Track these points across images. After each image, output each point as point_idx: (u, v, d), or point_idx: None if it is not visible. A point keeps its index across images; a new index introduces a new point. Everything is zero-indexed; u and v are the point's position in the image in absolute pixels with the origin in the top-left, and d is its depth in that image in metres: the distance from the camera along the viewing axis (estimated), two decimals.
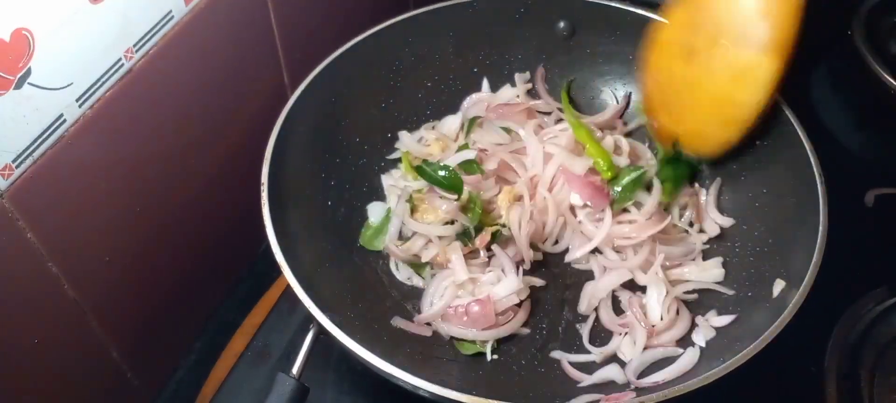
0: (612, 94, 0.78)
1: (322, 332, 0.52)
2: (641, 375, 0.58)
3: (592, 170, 0.67)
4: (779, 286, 0.58)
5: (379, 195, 0.72)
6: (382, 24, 0.71)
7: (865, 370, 0.64)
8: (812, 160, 0.61)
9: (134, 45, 0.51)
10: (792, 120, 0.63)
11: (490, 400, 0.48)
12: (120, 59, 0.51)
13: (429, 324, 0.62)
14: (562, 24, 0.76)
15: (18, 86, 0.44)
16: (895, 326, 0.67)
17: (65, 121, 0.48)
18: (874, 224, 0.75)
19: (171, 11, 0.54)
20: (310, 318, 0.52)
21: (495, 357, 0.61)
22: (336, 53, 0.68)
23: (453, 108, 0.78)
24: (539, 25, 0.76)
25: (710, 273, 0.65)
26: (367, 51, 0.70)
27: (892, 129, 0.84)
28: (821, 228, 0.56)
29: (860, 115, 0.85)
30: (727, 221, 0.68)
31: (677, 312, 0.62)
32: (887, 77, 0.80)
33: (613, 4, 0.73)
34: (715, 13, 0.54)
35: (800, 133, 0.62)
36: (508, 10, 0.75)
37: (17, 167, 0.46)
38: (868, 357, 0.65)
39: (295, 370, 0.51)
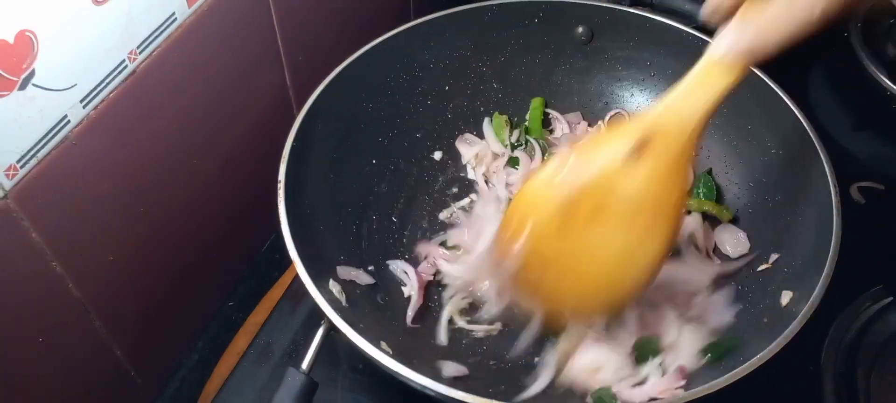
0: (627, 101, 0.78)
1: (332, 328, 0.52)
2: None
3: None
4: (786, 296, 0.58)
5: (384, 197, 0.73)
6: (403, 26, 0.71)
7: (862, 369, 0.64)
8: (827, 170, 0.60)
9: (137, 47, 0.52)
10: (806, 126, 0.63)
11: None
12: (123, 61, 0.51)
13: None
14: (580, 30, 0.76)
15: (22, 87, 0.44)
16: (892, 325, 0.67)
17: (69, 122, 0.48)
18: (871, 223, 0.76)
19: (174, 13, 0.54)
20: (321, 315, 0.52)
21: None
22: (356, 54, 0.68)
23: (473, 114, 0.78)
24: (557, 30, 0.76)
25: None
26: (386, 53, 0.70)
27: (890, 131, 0.85)
28: (833, 240, 0.56)
29: (857, 117, 0.86)
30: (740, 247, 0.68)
31: None
32: (884, 79, 0.81)
33: (632, 11, 0.74)
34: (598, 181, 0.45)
35: (814, 140, 0.62)
36: (526, 14, 0.75)
37: (21, 167, 0.46)
38: (865, 357, 0.65)
39: (304, 365, 0.52)
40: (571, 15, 0.76)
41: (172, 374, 0.68)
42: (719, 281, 0.65)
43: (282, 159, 0.60)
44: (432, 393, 0.49)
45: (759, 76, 0.68)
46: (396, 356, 0.50)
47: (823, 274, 0.54)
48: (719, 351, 0.59)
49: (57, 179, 0.48)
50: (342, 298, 0.60)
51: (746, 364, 0.50)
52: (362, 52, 0.68)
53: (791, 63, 0.86)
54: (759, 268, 0.64)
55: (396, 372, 0.49)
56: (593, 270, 0.47)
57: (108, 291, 0.56)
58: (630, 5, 0.75)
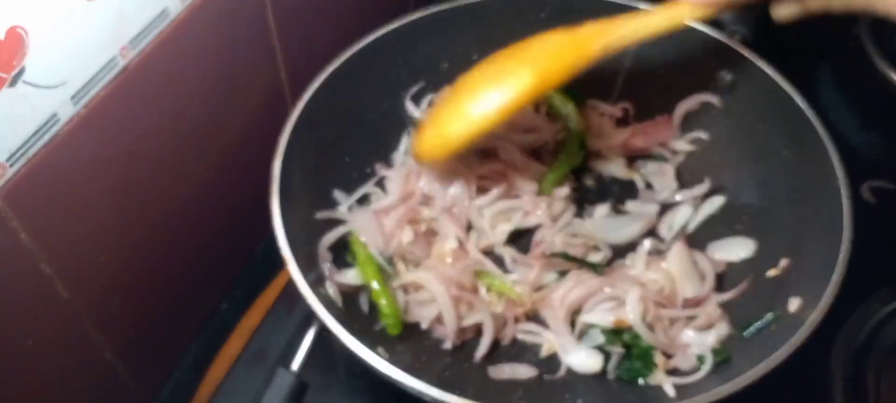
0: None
1: (324, 330, 0.51)
2: None
3: None
4: (794, 303, 0.56)
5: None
6: (407, 18, 0.70)
7: (872, 372, 0.64)
8: (839, 174, 0.59)
9: (129, 43, 0.51)
10: (817, 126, 0.62)
11: None
12: (115, 57, 0.50)
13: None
14: None
15: (12, 84, 0.43)
16: None
17: (59, 119, 0.47)
18: (882, 223, 0.75)
19: (166, 9, 0.53)
20: (313, 315, 0.51)
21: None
22: (357, 46, 0.67)
23: None
24: (564, 25, 0.74)
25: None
26: (389, 45, 0.69)
27: None
28: (843, 246, 0.54)
29: (867, 115, 0.85)
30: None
31: None
32: (894, 76, 0.80)
33: (640, 6, 0.72)
34: None
35: (826, 142, 0.61)
36: (533, 9, 0.74)
37: (10, 166, 0.45)
38: (874, 360, 0.64)
39: (295, 365, 0.51)
40: (579, 10, 0.73)
41: (166, 378, 0.68)
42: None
43: (277, 153, 0.59)
44: (428, 398, 0.48)
45: (770, 76, 0.66)
46: (392, 360, 0.49)
47: (832, 282, 0.53)
48: (725, 356, 0.58)
49: (47, 178, 0.48)
50: (338, 299, 0.59)
51: (748, 372, 0.49)
52: (364, 44, 0.67)
53: (800, 61, 0.85)
54: (768, 274, 0.62)
55: (389, 376, 0.48)
56: None
57: (99, 293, 0.55)
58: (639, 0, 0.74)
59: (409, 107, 0.74)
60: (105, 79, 0.50)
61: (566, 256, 0.64)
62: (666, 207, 0.71)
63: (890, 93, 0.78)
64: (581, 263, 0.64)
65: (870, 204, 0.76)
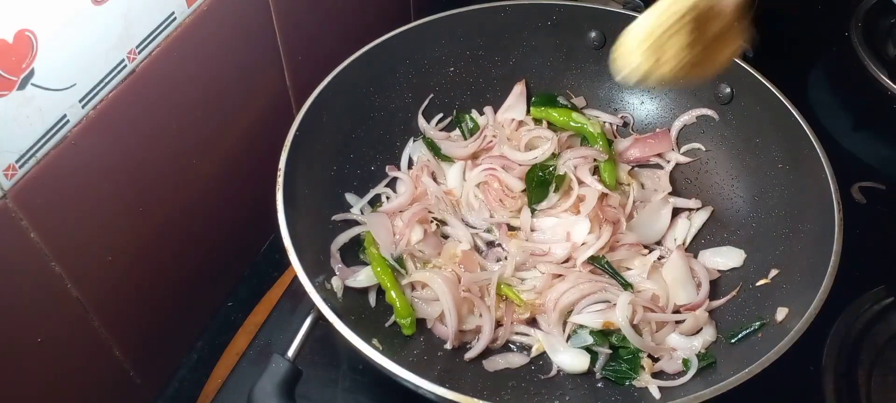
0: (636, 108, 0.78)
1: (320, 318, 0.52)
2: None
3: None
4: (781, 313, 0.57)
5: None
6: (415, 22, 0.71)
7: (863, 368, 0.65)
8: (834, 190, 0.59)
9: (137, 47, 0.52)
10: (819, 151, 0.62)
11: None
12: (123, 60, 0.51)
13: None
14: (593, 34, 0.75)
15: (22, 86, 0.44)
16: (893, 325, 0.67)
17: (68, 121, 0.48)
18: (873, 223, 0.76)
19: (173, 13, 0.54)
20: (310, 304, 0.52)
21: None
22: (369, 46, 0.68)
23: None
24: (569, 34, 0.76)
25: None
26: (397, 48, 0.70)
27: (891, 131, 0.85)
28: (832, 258, 0.55)
29: (857, 116, 0.86)
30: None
31: None
32: (884, 78, 0.81)
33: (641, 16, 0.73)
34: None
35: (823, 161, 0.62)
36: (540, 17, 0.75)
37: (20, 167, 0.46)
38: (866, 356, 0.65)
39: (290, 352, 0.52)
40: (584, 19, 0.75)
41: (172, 374, 0.68)
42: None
43: (283, 148, 0.59)
44: (421, 391, 0.49)
45: (770, 91, 0.66)
46: (386, 352, 0.50)
47: (819, 294, 0.53)
48: (711, 360, 0.59)
49: (56, 179, 0.48)
50: (339, 293, 0.60)
51: (732, 378, 0.50)
52: (369, 48, 0.68)
53: (791, 63, 0.86)
54: (758, 283, 0.63)
55: (382, 366, 0.49)
56: None
57: (107, 291, 0.56)
58: None
59: (422, 122, 0.75)
60: (113, 81, 0.51)
61: (607, 267, 0.64)
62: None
63: (880, 94, 0.80)
64: (615, 275, 0.64)
65: (860, 205, 0.77)
